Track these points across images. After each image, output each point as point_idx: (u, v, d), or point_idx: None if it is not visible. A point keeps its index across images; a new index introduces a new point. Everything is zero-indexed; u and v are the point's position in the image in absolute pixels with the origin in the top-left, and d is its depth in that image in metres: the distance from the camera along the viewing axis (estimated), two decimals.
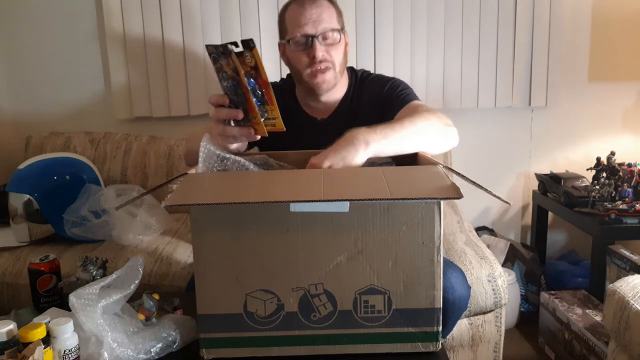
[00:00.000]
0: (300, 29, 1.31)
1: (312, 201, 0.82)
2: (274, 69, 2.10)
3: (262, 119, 1.05)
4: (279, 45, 1.43)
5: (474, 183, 0.88)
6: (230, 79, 1.02)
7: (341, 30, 1.35)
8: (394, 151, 1.10)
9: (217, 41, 2.09)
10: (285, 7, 1.39)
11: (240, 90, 1.02)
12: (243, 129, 1.07)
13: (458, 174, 0.94)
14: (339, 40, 1.34)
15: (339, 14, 1.38)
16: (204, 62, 2.16)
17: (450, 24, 2.17)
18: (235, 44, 1.00)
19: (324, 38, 1.31)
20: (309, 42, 1.31)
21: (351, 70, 1.46)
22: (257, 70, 1.02)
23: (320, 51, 1.30)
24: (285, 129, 1.08)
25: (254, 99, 1.03)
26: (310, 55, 1.31)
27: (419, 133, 1.14)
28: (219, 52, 1.00)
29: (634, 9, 2.23)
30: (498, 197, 0.86)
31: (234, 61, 0.98)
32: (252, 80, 1.03)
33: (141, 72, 2.18)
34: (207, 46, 1.02)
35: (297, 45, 1.33)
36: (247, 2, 2.12)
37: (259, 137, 1.09)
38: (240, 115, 1.05)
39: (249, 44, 0.99)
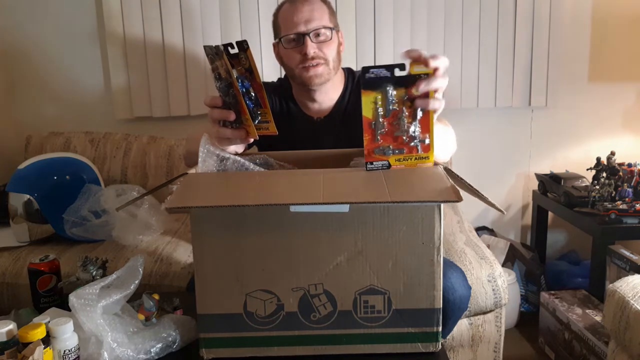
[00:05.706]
0: (292, 27, 1.31)
1: (312, 204, 0.82)
2: (275, 69, 2.10)
3: (255, 122, 1.05)
4: (273, 45, 1.43)
5: (470, 188, 0.88)
6: (223, 80, 1.02)
7: (333, 28, 1.35)
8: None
9: (217, 42, 2.09)
10: (279, 8, 1.39)
11: (232, 91, 1.02)
12: (236, 131, 1.07)
13: (455, 177, 0.94)
14: (331, 38, 1.34)
15: (332, 13, 1.38)
16: (204, 62, 2.16)
17: (450, 24, 2.17)
18: (231, 45, 1.00)
19: (316, 35, 1.32)
20: (300, 40, 1.31)
21: (349, 71, 1.46)
22: (251, 72, 1.02)
23: (311, 48, 1.30)
24: (277, 132, 1.07)
25: (248, 102, 1.03)
26: (302, 52, 1.31)
27: (444, 136, 1.14)
28: (214, 53, 1.01)
29: (634, 9, 2.23)
30: (493, 205, 0.84)
31: (225, 62, 0.98)
32: (246, 82, 1.03)
33: (141, 73, 2.18)
34: (205, 47, 1.02)
35: (289, 43, 1.33)
36: (247, 2, 2.12)
37: (251, 139, 1.09)
38: (232, 116, 1.04)
39: (242, 45, 0.99)
